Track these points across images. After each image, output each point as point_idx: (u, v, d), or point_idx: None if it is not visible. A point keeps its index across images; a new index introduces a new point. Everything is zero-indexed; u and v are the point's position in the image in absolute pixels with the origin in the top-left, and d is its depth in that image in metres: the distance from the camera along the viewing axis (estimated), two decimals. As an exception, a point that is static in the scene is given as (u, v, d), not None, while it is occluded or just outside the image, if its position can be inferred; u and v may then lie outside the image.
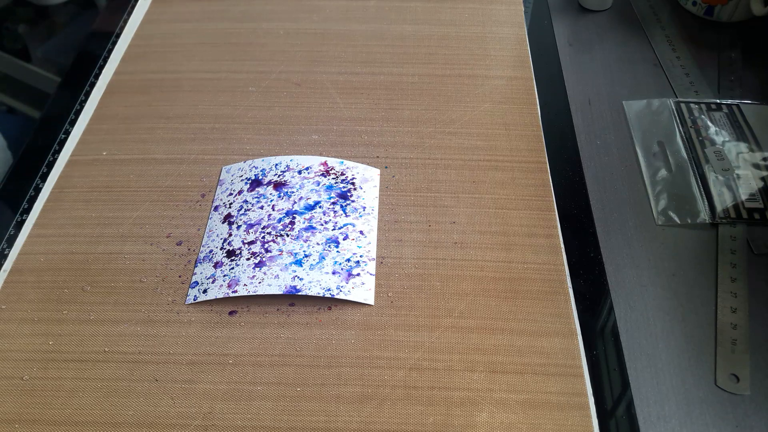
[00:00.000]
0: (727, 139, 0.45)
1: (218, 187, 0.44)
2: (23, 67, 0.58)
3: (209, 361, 0.35)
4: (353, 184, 0.43)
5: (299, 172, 0.43)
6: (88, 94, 0.51)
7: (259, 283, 0.37)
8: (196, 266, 0.39)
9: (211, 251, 0.40)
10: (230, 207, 0.42)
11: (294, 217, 0.40)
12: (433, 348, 0.36)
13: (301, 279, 0.37)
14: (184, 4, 0.59)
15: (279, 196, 0.42)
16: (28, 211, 0.43)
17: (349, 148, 0.46)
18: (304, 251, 0.39)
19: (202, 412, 0.34)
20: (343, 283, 0.38)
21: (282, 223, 0.40)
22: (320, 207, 0.41)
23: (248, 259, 0.39)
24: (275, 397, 0.34)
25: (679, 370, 0.35)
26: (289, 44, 0.55)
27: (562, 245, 0.40)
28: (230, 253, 0.39)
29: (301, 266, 0.38)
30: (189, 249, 0.40)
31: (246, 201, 0.42)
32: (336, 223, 0.40)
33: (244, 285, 0.37)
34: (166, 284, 0.39)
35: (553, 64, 0.53)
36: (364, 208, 0.42)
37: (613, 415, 0.33)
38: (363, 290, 0.38)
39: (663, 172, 0.44)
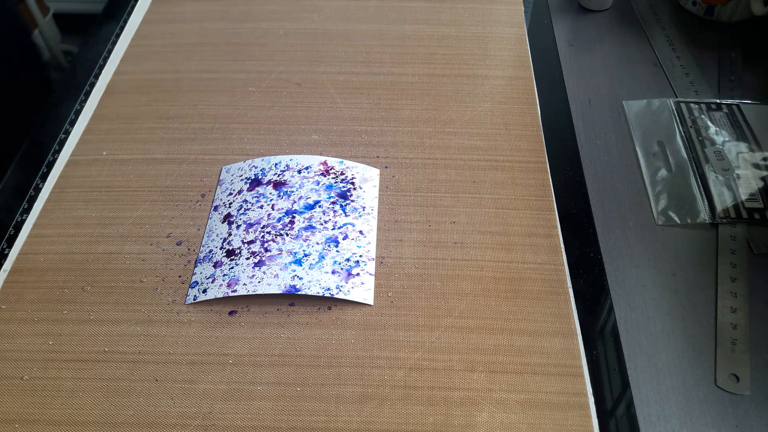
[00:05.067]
0: (727, 139, 0.45)
1: (218, 186, 0.44)
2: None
3: (209, 361, 0.35)
4: (353, 183, 0.43)
5: (299, 172, 0.43)
6: (88, 94, 0.51)
7: (259, 282, 0.37)
8: (195, 266, 0.39)
9: (210, 251, 0.40)
10: (230, 207, 0.42)
11: (294, 217, 0.40)
12: (433, 348, 0.36)
13: (300, 278, 0.37)
14: (184, 4, 0.59)
15: (279, 196, 0.42)
16: (28, 211, 0.43)
17: (349, 148, 0.46)
18: (303, 251, 0.39)
19: (202, 412, 0.34)
20: (343, 283, 0.38)
21: (282, 222, 0.40)
22: (320, 206, 0.41)
23: (248, 258, 0.39)
24: (275, 397, 0.34)
25: (679, 370, 0.35)
26: (289, 44, 0.55)
27: (562, 245, 0.40)
28: (230, 253, 0.39)
29: (301, 266, 0.38)
30: (189, 249, 0.40)
31: (246, 201, 0.42)
32: (336, 222, 0.40)
33: (244, 284, 0.37)
34: (166, 284, 0.39)
35: (553, 64, 0.53)
36: (364, 207, 0.42)
37: (613, 415, 0.33)
38: (362, 290, 0.38)
39: (663, 172, 0.44)
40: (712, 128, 0.46)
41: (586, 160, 0.45)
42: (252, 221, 0.41)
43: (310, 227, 0.40)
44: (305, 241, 0.39)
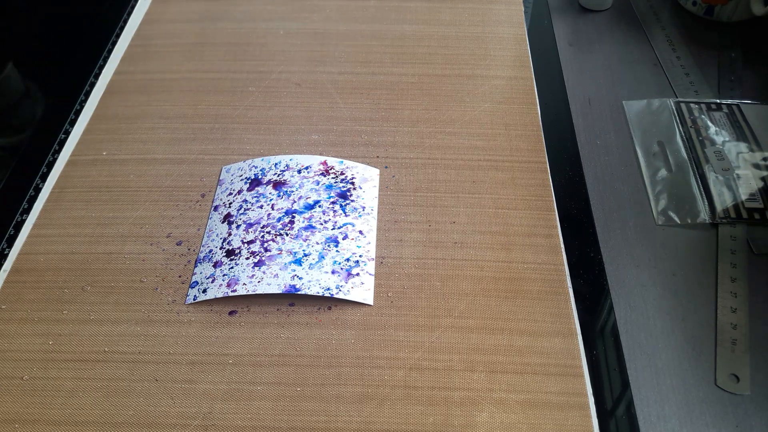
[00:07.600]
0: (727, 139, 0.45)
1: (218, 186, 0.44)
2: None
3: (209, 361, 0.35)
4: (353, 183, 0.43)
5: (299, 172, 0.43)
6: (88, 94, 0.51)
7: (259, 282, 0.37)
8: (195, 266, 0.39)
9: (210, 251, 0.40)
10: (230, 207, 0.42)
11: (293, 217, 0.40)
12: (433, 348, 0.36)
13: (300, 278, 0.37)
14: (184, 4, 0.59)
15: (278, 196, 0.42)
16: (28, 211, 0.43)
17: (349, 148, 0.46)
18: (303, 250, 0.39)
19: (202, 412, 0.34)
20: (343, 283, 0.38)
21: (281, 222, 0.40)
22: (320, 206, 0.41)
23: (248, 258, 0.39)
24: (275, 397, 0.34)
25: (679, 370, 0.35)
26: (289, 44, 0.54)
27: (562, 245, 0.40)
28: (230, 253, 0.39)
29: (301, 265, 0.38)
30: (189, 249, 0.40)
31: (245, 200, 0.42)
32: (335, 222, 0.40)
33: (244, 284, 0.37)
34: (166, 284, 0.39)
35: (553, 64, 0.53)
36: (364, 207, 0.42)
37: (613, 415, 0.33)
38: (362, 290, 0.38)
39: (663, 172, 0.44)
40: (712, 128, 0.46)
41: (586, 160, 0.45)
42: (252, 221, 0.41)
43: (309, 227, 0.40)
44: (305, 240, 0.39)
